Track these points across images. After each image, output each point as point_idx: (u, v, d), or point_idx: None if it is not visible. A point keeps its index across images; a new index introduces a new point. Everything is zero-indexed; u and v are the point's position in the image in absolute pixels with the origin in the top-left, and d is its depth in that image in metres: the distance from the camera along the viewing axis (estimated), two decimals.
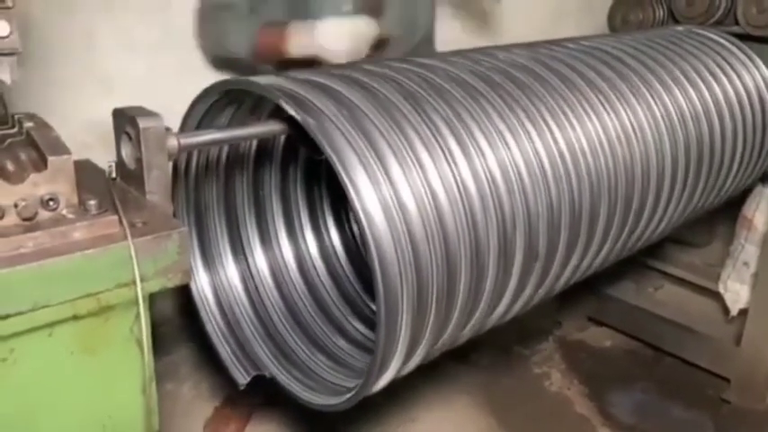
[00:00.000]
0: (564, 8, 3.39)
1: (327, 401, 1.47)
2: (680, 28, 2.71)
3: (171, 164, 1.34)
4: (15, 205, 1.00)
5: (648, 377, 3.03)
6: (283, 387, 1.61)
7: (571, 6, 3.43)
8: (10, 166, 1.04)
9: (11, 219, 0.99)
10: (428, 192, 1.29)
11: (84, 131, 1.98)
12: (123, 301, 1.05)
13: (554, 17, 3.28)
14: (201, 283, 1.81)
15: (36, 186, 1.01)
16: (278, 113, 1.65)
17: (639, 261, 3.30)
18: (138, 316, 1.09)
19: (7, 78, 1.06)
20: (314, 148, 1.50)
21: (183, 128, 1.51)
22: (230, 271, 1.86)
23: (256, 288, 1.88)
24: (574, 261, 1.65)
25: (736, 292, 2.93)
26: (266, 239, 1.96)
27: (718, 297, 3.00)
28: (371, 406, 2.63)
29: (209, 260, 1.86)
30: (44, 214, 1.03)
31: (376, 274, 1.19)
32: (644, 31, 2.60)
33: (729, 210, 2.97)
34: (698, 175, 2.06)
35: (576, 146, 1.60)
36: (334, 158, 1.21)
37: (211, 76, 1.58)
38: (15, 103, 1.59)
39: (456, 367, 2.87)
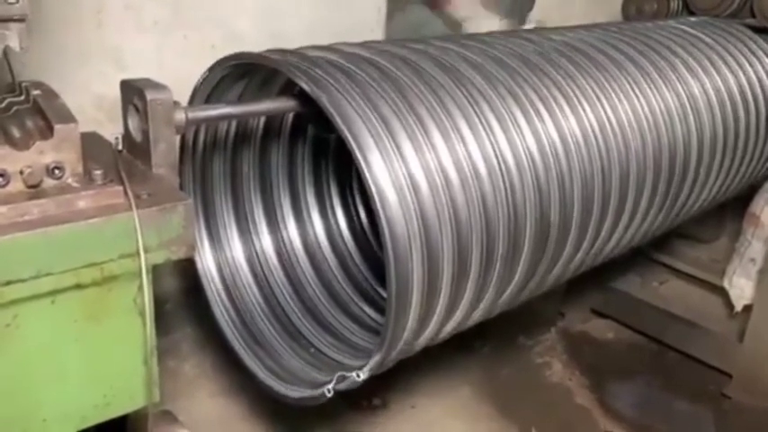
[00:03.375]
0: None
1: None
2: (694, 19, 2.68)
3: (178, 137, 1.33)
4: (21, 172, 0.99)
5: (650, 371, 3.02)
6: (286, 365, 1.61)
7: None
8: (16, 133, 1.03)
9: (16, 185, 0.99)
10: (440, 172, 1.28)
11: (95, 107, 1.98)
12: (126, 271, 1.05)
13: (564, 5, 3.25)
14: (207, 261, 1.81)
15: (42, 154, 1.01)
16: (287, 91, 1.64)
17: (645, 255, 3.29)
18: (141, 287, 1.09)
19: (16, 45, 1.05)
20: (324, 126, 1.49)
21: (192, 101, 1.50)
22: (236, 250, 1.86)
23: (262, 268, 1.88)
24: (586, 245, 1.65)
25: (741, 288, 2.92)
26: (272, 219, 1.95)
27: (722, 292, 2.99)
28: (372, 392, 2.64)
29: (215, 238, 1.85)
30: (49, 182, 1.03)
31: (387, 251, 1.19)
32: (658, 21, 2.57)
33: (737, 206, 2.95)
34: (709, 167, 2.05)
35: (589, 130, 1.59)
36: (347, 135, 1.20)
37: (218, 56, 1.58)
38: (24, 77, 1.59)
39: (458, 355, 2.87)
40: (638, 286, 3.36)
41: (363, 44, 1.60)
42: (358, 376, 1.29)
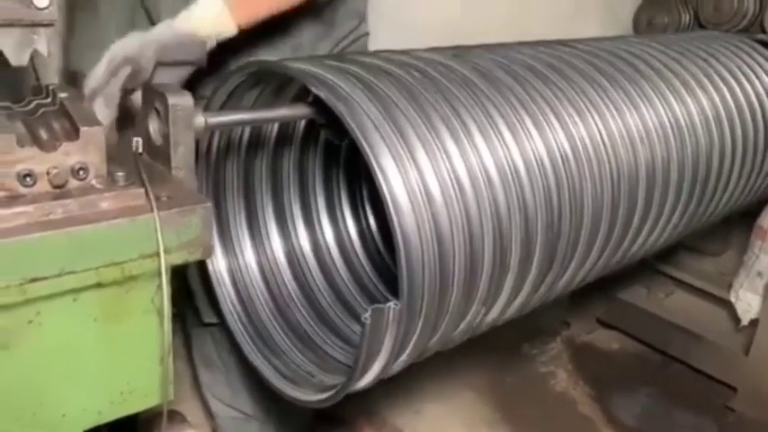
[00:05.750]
0: (586, 10, 3.39)
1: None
2: (704, 33, 2.70)
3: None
4: (47, 173, 1.02)
5: (655, 382, 3.03)
6: (298, 369, 1.63)
7: (593, 8, 3.43)
8: (43, 135, 1.06)
9: (42, 185, 1.02)
10: (453, 179, 1.30)
11: None
12: (146, 271, 1.07)
13: (575, 18, 3.28)
14: (218, 264, 1.83)
15: (68, 155, 1.03)
16: (301, 98, 1.67)
17: (651, 266, 3.31)
18: (159, 287, 1.12)
19: (44, 49, 1.08)
20: (337, 133, 1.52)
21: (208, 107, 1.53)
22: (247, 254, 1.88)
23: (273, 273, 1.90)
24: (594, 254, 1.67)
25: (748, 302, 2.93)
26: (283, 224, 1.97)
27: (728, 306, 3.00)
28: (376, 397, 2.65)
29: (227, 242, 1.87)
30: (73, 183, 1.05)
31: (400, 257, 1.21)
32: (668, 35, 2.60)
33: (745, 219, 2.97)
34: (717, 182, 2.07)
35: (599, 140, 1.62)
36: (363, 142, 1.22)
37: None
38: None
39: (462, 362, 2.89)
40: (644, 298, 3.37)
41: (378, 53, 1.62)
42: (396, 304, 1.25)
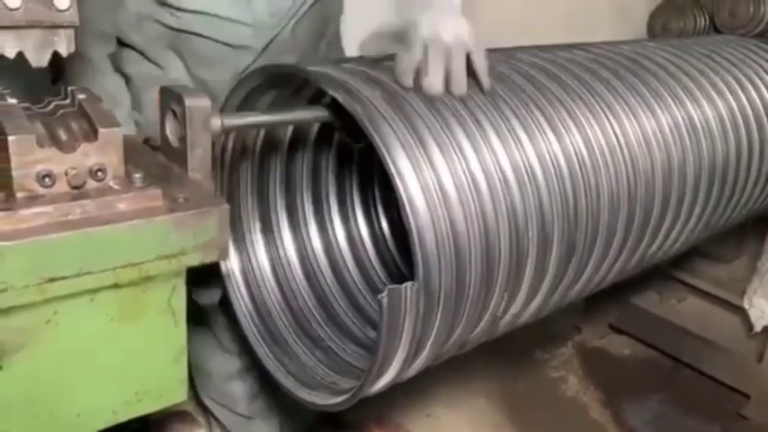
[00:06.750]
0: (599, 13, 3.38)
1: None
2: (719, 37, 2.69)
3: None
4: (66, 173, 1.02)
5: (666, 388, 3.01)
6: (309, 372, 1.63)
7: (607, 12, 3.42)
8: (62, 136, 1.07)
9: (61, 186, 1.02)
10: (469, 180, 1.31)
11: None
12: (163, 272, 1.08)
13: (589, 21, 3.27)
14: (231, 264, 1.83)
15: (86, 156, 1.04)
16: (316, 100, 1.67)
17: (664, 272, 3.29)
18: (175, 288, 1.12)
19: (64, 51, 1.08)
20: (353, 136, 1.52)
21: (224, 109, 1.54)
22: (260, 255, 1.88)
23: (285, 274, 1.90)
24: (611, 255, 1.67)
25: (761, 309, 2.90)
26: (296, 226, 1.98)
27: (741, 312, 2.97)
28: (387, 400, 2.65)
29: (239, 242, 1.88)
30: (92, 184, 1.05)
31: (416, 259, 1.21)
32: (683, 39, 2.59)
33: (758, 226, 2.95)
34: (734, 186, 2.06)
35: (614, 142, 1.62)
36: (379, 144, 1.23)
37: None
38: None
39: (473, 366, 2.89)
40: (657, 303, 3.35)
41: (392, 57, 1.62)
42: (413, 285, 1.23)
